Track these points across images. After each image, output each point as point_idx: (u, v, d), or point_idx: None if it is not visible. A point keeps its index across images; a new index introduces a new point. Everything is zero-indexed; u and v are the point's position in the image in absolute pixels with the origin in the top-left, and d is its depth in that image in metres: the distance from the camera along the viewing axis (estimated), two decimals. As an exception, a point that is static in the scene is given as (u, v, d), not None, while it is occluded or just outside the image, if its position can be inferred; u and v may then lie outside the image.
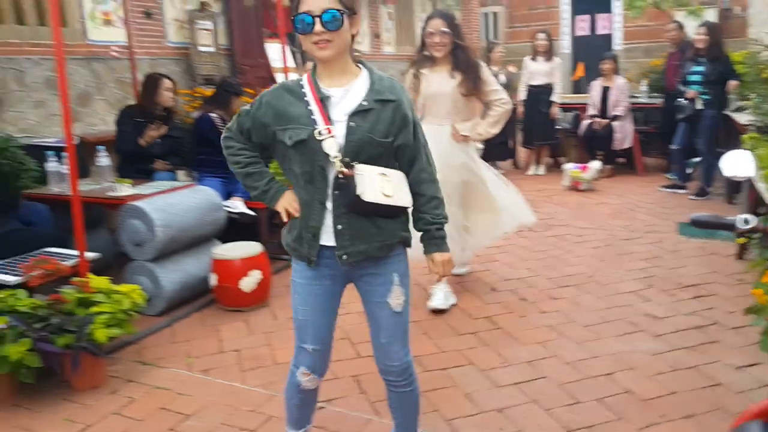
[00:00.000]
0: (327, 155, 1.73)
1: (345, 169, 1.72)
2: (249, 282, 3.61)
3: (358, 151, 1.75)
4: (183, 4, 6.80)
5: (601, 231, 5.19)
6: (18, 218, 3.49)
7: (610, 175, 7.46)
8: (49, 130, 5.40)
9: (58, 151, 4.23)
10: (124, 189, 3.78)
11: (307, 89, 1.80)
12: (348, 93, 1.79)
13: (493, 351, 3.07)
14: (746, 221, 1.63)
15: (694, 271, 4.12)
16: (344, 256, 1.81)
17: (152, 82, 4.86)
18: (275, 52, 7.80)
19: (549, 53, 7.62)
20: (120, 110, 5.01)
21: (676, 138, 6.39)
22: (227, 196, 4.47)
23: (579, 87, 11.63)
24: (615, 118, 7.30)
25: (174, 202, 3.72)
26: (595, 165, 6.84)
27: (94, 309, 2.83)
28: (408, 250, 1.95)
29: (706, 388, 2.67)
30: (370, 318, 1.97)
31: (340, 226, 1.79)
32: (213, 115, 4.68)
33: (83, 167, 4.33)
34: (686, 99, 6.13)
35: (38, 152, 4.30)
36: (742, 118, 5.15)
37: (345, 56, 1.80)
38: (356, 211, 1.76)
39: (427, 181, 1.90)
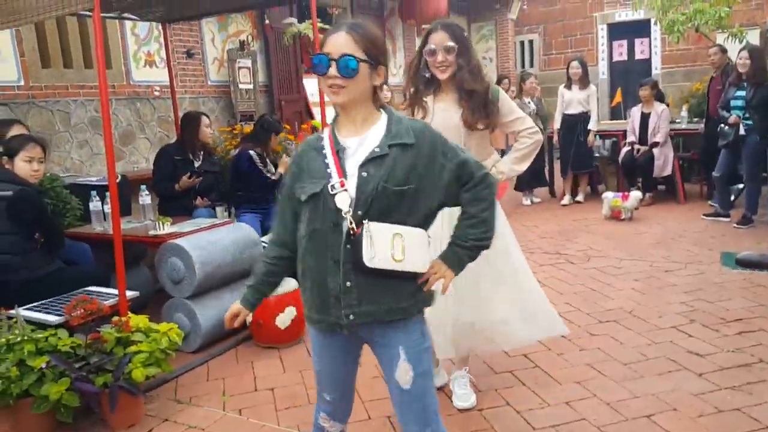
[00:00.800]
0: (339, 210, 1.63)
1: (355, 227, 1.61)
2: (284, 318, 3.64)
3: (370, 203, 1.62)
4: (223, 43, 7.03)
5: (641, 262, 5.07)
6: (62, 258, 3.60)
7: (651, 203, 7.31)
8: (93, 169, 5.62)
9: (100, 189, 4.37)
10: (164, 227, 3.87)
11: (326, 142, 1.73)
12: (364, 141, 1.70)
13: (530, 390, 3.01)
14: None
15: (738, 304, 3.98)
16: (351, 316, 1.68)
17: (192, 120, 4.99)
18: (313, 87, 7.98)
19: (584, 81, 7.55)
20: (159, 149, 5.16)
21: (719, 164, 6.24)
22: (264, 231, 4.53)
23: (617, 113, 11.51)
24: (655, 144, 7.17)
25: (212, 239, 3.79)
26: (636, 194, 6.69)
27: (133, 348, 2.89)
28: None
29: (753, 431, 2.56)
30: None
31: (348, 283, 1.66)
32: (251, 152, 4.77)
33: (125, 205, 4.46)
34: (729, 125, 6.00)
35: (82, 191, 4.46)
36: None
37: (365, 105, 1.72)
38: (361, 273, 1.64)
39: (471, 199, 1.75)
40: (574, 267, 5.03)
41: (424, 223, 1.73)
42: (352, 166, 1.67)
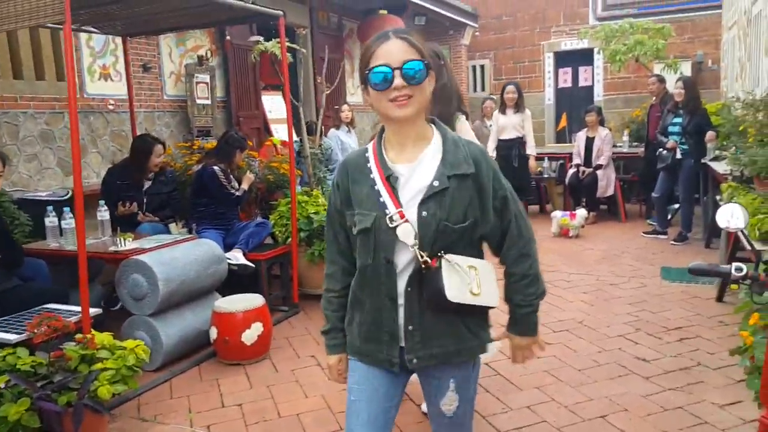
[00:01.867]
0: (395, 245, 1.51)
1: (428, 260, 1.49)
2: (251, 334, 3.65)
3: (433, 241, 1.50)
4: (181, 58, 7.02)
5: (589, 276, 5.33)
6: (18, 275, 3.53)
7: (594, 221, 7.65)
8: (41, 184, 5.48)
9: (56, 205, 4.30)
10: (126, 243, 3.85)
11: (372, 164, 1.56)
12: (418, 168, 1.55)
13: (494, 397, 3.14)
14: (739, 269, 1.76)
15: (677, 314, 4.25)
16: (414, 360, 1.57)
17: (145, 147, 4.88)
18: (271, 103, 8.04)
19: (519, 105, 7.43)
20: (108, 169, 5.06)
21: (657, 186, 6.62)
22: (227, 248, 4.54)
23: (562, 137, 12.00)
24: (599, 167, 7.54)
25: (176, 255, 3.79)
26: (582, 212, 7.02)
27: (98, 366, 2.85)
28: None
29: (694, 426, 2.77)
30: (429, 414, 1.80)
31: (410, 327, 1.55)
32: (215, 168, 4.76)
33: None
34: (666, 149, 6.39)
35: (30, 206, 4.36)
36: (719, 167, 5.38)
37: (421, 118, 1.57)
38: (436, 309, 1.52)
39: (516, 258, 1.63)
40: (527, 282, 5.23)
41: (480, 253, 1.64)
42: (407, 196, 1.53)
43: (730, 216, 1.90)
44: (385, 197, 1.51)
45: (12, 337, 2.95)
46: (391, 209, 1.50)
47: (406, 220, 1.49)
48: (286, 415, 3.05)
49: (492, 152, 7.44)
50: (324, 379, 3.44)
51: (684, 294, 4.69)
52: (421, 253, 1.48)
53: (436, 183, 1.50)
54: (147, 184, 4.91)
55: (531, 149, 7.45)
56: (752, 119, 4.61)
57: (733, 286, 1.82)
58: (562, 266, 5.71)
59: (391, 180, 1.53)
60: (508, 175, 5.47)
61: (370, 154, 1.59)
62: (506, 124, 7.44)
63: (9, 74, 5.34)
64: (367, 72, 1.51)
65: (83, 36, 5.81)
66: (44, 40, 5.61)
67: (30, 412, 2.64)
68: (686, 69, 10.64)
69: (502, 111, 7.52)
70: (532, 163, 7.54)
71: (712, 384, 3.17)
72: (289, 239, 4.66)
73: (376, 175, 1.54)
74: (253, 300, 3.77)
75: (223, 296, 3.98)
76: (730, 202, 2.07)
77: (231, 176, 4.87)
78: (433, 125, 1.62)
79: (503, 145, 7.49)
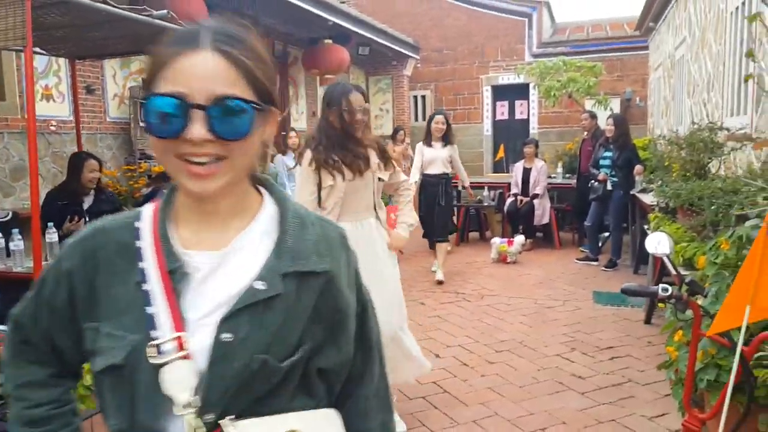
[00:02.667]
0: (165, 403, 0.85)
1: None
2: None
3: (238, 389, 0.86)
4: (125, 80, 7.01)
5: (527, 300, 5.61)
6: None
7: (531, 248, 8.02)
8: (-23, 204, 5.37)
9: (2, 226, 4.24)
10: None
11: (146, 245, 0.92)
12: (230, 258, 0.92)
13: (442, 413, 3.31)
14: (665, 289, 2.01)
15: (609, 335, 4.56)
16: None
17: (77, 162, 4.82)
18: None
19: (447, 138, 6.58)
20: (47, 193, 5.00)
21: (589, 215, 7.04)
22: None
23: (499, 167, 12.50)
24: (535, 196, 7.94)
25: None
26: (519, 239, 7.37)
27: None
28: None
29: (627, 438, 3.02)
30: None
31: None
32: (164, 191, 4.79)
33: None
34: (597, 181, 6.83)
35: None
36: (647, 198, 5.79)
37: (241, 184, 0.95)
38: None
39: (376, 408, 1.06)
40: (471, 304, 5.48)
41: (314, 399, 0.96)
42: (201, 308, 0.89)
43: (657, 243, 2.16)
44: (159, 307, 0.87)
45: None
46: (164, 330, 0.85)
47: (185, 355, 0.85)
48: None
49: (414, 186, 6.33)
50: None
51: (615, 316, 5.03)
52: (193, 422, 0.83)
53: (260, 285, 0.88)
54: (88, 203, 4.86)
55: (466, 181, 7.05)
56: (676, 155, 5.01)
57: (660, 305, 2.07)
58: (501, 290, 5.99)
59: (176, 277, 0.88)
60: (432, 215, 5.84)
61: (145, 228, 0.94)
62: (434, 158, 6.49)
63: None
64: (145, 98, 0.87)
65: (23, 56, 5.75)
66: (-14, 60, 5.54)
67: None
68: (615, 105, 11.33)
69: (428, 143, 6.57)
70: (469, 192, 7.56)
71: (641, 398, 3.44)
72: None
73: (150, 265, 0.89)
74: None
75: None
76: (657, 231, 2.35)
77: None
78: (263, 189, 1.00)
79: (429, 181, 6.61)
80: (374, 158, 2.98)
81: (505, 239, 7.47)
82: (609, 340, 4.45)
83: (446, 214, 6.85)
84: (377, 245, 3.00)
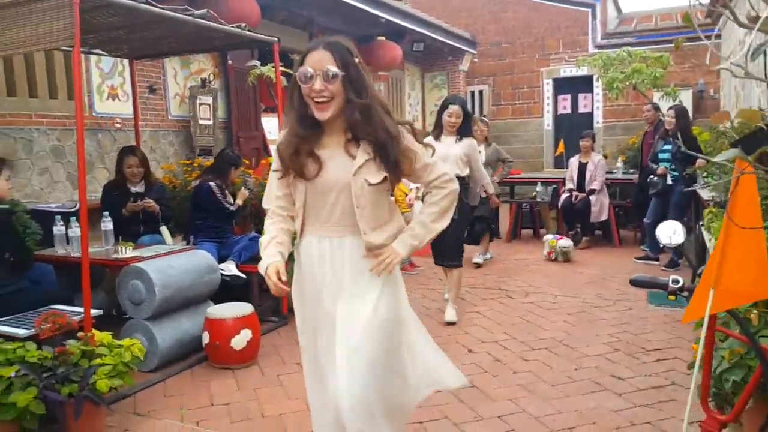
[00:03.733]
0: None
1: None
2: (239, 340, 3.83)
3: None
4: (185, 80, 7.29)
5: (575, 299, 5.47)
6: (27, 277, 3.74)
7: (587, 246, 7.80)
8: (51, 196, 5.72)
9: (64, 215, 4.53)
10: (127, 251, 4.05)
11: None
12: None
13: (467, 407, 3.29)
14: (675, 281, 1.94)
15: (658, 336, 4.39)
16: None
17: (119, 157, 5.14)
18: (270, 125, 8.31)
19: (462, 132, 4.99)
20: (103, 186, 5.28)
21: (649, 212, 6.79)
22: (221, 259, 4.73)
23: (560, 162, 12.20)
24: (591, 192, 7.71)
25: (173, 264, 3.99)
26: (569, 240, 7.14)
27: (97, 361, 3.05)
28: None
29: (659, 440, 2.91)
30: None
31: None
32: (211, 184, 4.99)
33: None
34: (657, 175, 6.58)
35: (41, 216, 4.60)
36: (705, 194, 5.54)
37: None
38: None
39: None
40: (513, 301, 5.40)
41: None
42: None
43: (672, 233, 2.08)
44: None
45: (21, 332, 3.16)
46: None
47: None
48: (269, 416, 3.22)
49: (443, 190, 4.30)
50: (308, 386, 3.61)
51: (668, 317, 4.82)
52: None
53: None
54: (134, 190, 5.09)
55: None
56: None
57: (671, 297, 1.99)
58: (548, 288, 5.87)
59: None
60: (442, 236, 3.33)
61: None
62: (444, 156, 4.74)
63: (25, 93, 5.61)
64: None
65: (93, 58, 6.08)
66: (57, 62, 5.89)
67: (36, 400, 2.85)
68: (686, 97, 10.84)
69: (437, 136, 5.04)
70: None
71: (683, 401, 3.28)
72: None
73: None
74: (243, 308, 3.96)
75: (216, 304, 4.16)
76: (668, 223, 2.25)
77: (226, 191, 5.08)
78: None
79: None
80: (361, 152, 2.05)
81: (558, 236, 7.29)
82: (657, 342, 4.28)
83: (459, 230, 4.92)
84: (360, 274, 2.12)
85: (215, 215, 5.00)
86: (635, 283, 1.97)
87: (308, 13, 8.74)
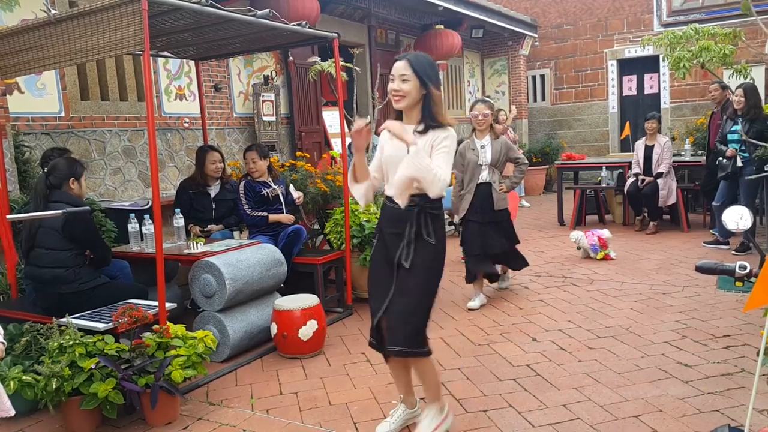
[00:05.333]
0: None
1: None
2: (306, 331, 3.96)
3: None
4: (249, 78, 7.50)
5: (641, 285, 5.35)
6: (105, 273, 3.97)
7: (655, 231, 7.58)
8: (124, 195, 6.02)
9: (138, 213, 4.77)
10: (198, 246, 4.24)
11: None
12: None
13: (531, 395, 3.30)
14: (743, 267, 1.89)
15: (728, 323, 4.25)
16: None
17: (201, 154, 5.27)
18: (331, 119, 8.44)
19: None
20: (179, 182, 5.50)
21: (718, 194, 6.53)
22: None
23: (626, 146, 11.86)
24: (659, 175, 7.47)
25: (241, 258, 4.15)
26: (605, 233, 6.46)
27: (172, 352, 3.23)
28: None
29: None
30: None
31: None
32: (241, 182, 5.13)
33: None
34: (726, 157, 6.32)
35: (115, 214, 4.86)
36: (780, 175, 5.32)
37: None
38: None
39: None
40: (578, 289, 5.33)
41: None
42: None
43: (739, 218, 2.02)
44: None
45: (100, 325, 3.37)
46: None
47: None
48: (336, 404, 3.33)
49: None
50: (372, 373, 3.70)
51: (738, 303, 4.67)
52: None
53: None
54: (214, 192, 5.30)
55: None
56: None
57: (738, 283, 1.94)
58: (614, 275, 5.75)
59: None
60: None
61: None
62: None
63: (97, 96, 5.92)
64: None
65: (161, 60, 6.35)
66: (127, 66, 6.18)
67: (115, 390, 3.05)
68: (758, 74, 10.32)
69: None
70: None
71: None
72: (343, 245, 4.95)
73: None
74: (309, 300, 4.08)
75: (283, 296, 4.30)
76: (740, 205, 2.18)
77: (260, 186, 5.11)
78: None
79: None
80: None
81: (590, 232, 6.52)
82: (726, 328, 4.16)
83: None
84: None
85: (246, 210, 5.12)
86: (701, 269, 1.93)
87: (366, 5, 8.81)
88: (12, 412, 2.45)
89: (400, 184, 2.65)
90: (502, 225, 5.02)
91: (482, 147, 4.97)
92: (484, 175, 4.94)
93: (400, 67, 2.67)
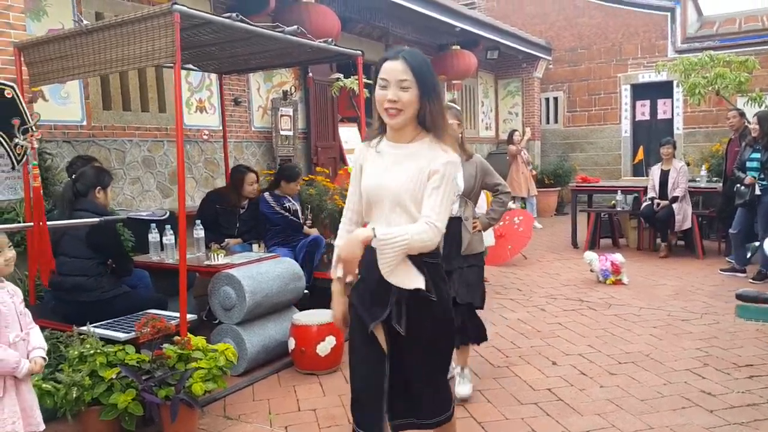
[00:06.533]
0: None
1: None
2: (324, 347, 3.93)
3: None
4: (268, 93, 7.55)
5: (659, 311, 5.31)
6: (125, 282, 3.97)
7: (666, 255, 7.55)
8: (142, 204, 6.04)
9: (159, 223, 4.77)
10: (218, 258, 4.24)
11: None
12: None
13: (554, 420, 3.25)
14: (787, 297, 1.88)
15: (750, 351, 4.21)
16: None
17: (239, 176, 5.31)
18: (347, 134, 8.48)
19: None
20: (206, 193, 5.52)
21: (735, 222, 6.50)
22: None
23: (639, 170, 11.85)
24: (675, 199, 7.44)
25: (261, 271, 4.14)
26: (618, 257, 6.41)
27: (193, 365, 3.21)
28: None
29: (759, 462, 2.79)
30: None
31: None
32: (266, 195, 5.20)
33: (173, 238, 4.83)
34: (744, 185, 6.30)
35: (133, 224, 4.87)
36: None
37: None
38: None
39: None
40: (596, 313, 5.29)
41: None
42: None
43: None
44: None
45: (121, 335, 3.36)
46: None
47: None
48: (337, 408, 3.30)
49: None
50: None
51: (760, 333, 4.62)
52: None
53: None
54: (242, 210, 5.33)
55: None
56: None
57: (781, 314, 1.92)
58: (631, 300, 5.71)
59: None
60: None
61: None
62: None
63: (119, 106, 5.96)
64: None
65: (183, 72, 6.39)
66: (149, 77, 6.23)
67: (135, 401, 3.02)
68: (774, 103, 10.30)
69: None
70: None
71: (782, 422, 3.16)
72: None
73: None
74: (327, 315, 4.04)
75: (301, 311, 4.29)
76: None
77: (284, 201, 5.29)
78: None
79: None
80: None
81: (603, 256, 6.49)
82: (749, 357, 4.11)
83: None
84: None
85: (271, 223, 5.24)
86: (743, 297, 1.92)
87: (384, 24, 8.88)
88: (42, 428, 2.44)
89: (387, 270, 1.99)
90: (467, 276, 3.52)
91: None
92: (454, 208, 3.40)
93: (398, 69, 2.03)
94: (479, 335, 3.66)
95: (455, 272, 3.43)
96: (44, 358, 2.51)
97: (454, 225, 3.41)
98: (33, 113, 3.81)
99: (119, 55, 3.59)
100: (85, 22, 3.72)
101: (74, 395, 3.00)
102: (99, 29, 3.62)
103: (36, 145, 3.60)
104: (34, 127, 3.65)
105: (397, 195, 2.07)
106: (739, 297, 1.92)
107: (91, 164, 4.12)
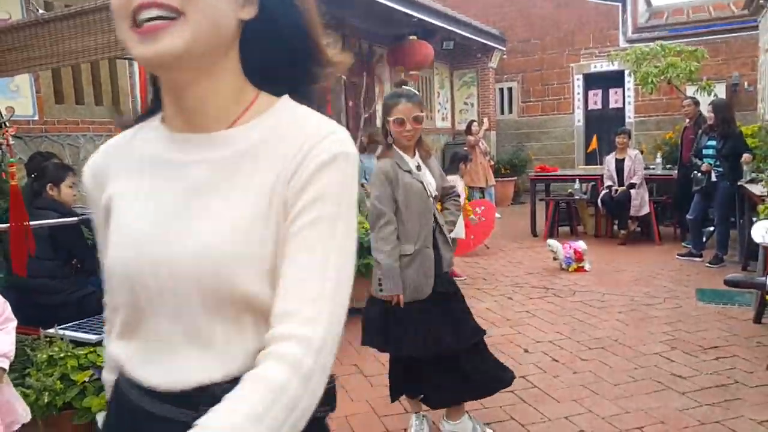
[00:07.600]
0: None
1: None
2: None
3: None
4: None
5: (623, 297, 5.44)
6: (91, 282, 3.82)
7: (624, 242, 7.73)
8: (98, 202, 5.83)
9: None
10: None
11: None
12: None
13: (532, 407, 3.30)
14: (775, 281, 1.93)
15: (714, 334, 4.35)
16: None
17: None
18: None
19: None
20: None
21: (692, 208, 6.71)
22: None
23: (592, 159, 12.10)
24: (632, 186, 7.61)
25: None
26: (581, 245, 6.54)
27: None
28: None
29: (733, 441, 2.89)
30: None
31: None
32: None
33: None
34: (701, 172, 6.49)
35: (89, 222, 4.69)
36: (756, 189, 5.46)
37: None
38: None
39: None
40: (562, 300, 5.38)
41: None
42: None
43: (765, 232, 2.07)
44: None
45: (93, 337, 3.23)
46: None
47: None
48: (335, 417, 3.25)
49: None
50: (368, 386, 3.65)
51: (720, 315, 4.77)
52: None
53: None
54: None
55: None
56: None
57: None
58: (594, 287, 5.83)
59: None
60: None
61: None
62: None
63: (72, 100, 5.73)
64: None
65: (136, 64, 6.18)
66: (103, 70, 6.00)
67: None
68: (720, 91, 10.68)
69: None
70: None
71: (750, 401, 3.26)
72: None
73: None
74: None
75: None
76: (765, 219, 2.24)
77: None
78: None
79: None
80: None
81: (567, 244, 6.59)
82: (713, 339, 4.25)
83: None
84: None
85: None
86: (730, 282, 1.97)
87: (340, 14, 8.77)
88: (28, 418, 2.35)
89: None
90: (451, 303, 2.85)
91: (418, 168, 2.83)
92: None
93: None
94: (506, 378, 2.93)
95: (436, 301, 2.75)
96: (4, 369, 2.37)
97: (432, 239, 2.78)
98: (7, 107, 3.61)
99: (76, 46, 3.43)
100: (40, 11, 3.54)
101: (45, 400, 2.87)
102: (55, 19, 3.44)
103: (12, 141, 3.41)
104: (7, 123, 3.46)
105: (212, 272, 0.84)
106: (727, 283, 1.96)
107: (51, 160, 3.94)
